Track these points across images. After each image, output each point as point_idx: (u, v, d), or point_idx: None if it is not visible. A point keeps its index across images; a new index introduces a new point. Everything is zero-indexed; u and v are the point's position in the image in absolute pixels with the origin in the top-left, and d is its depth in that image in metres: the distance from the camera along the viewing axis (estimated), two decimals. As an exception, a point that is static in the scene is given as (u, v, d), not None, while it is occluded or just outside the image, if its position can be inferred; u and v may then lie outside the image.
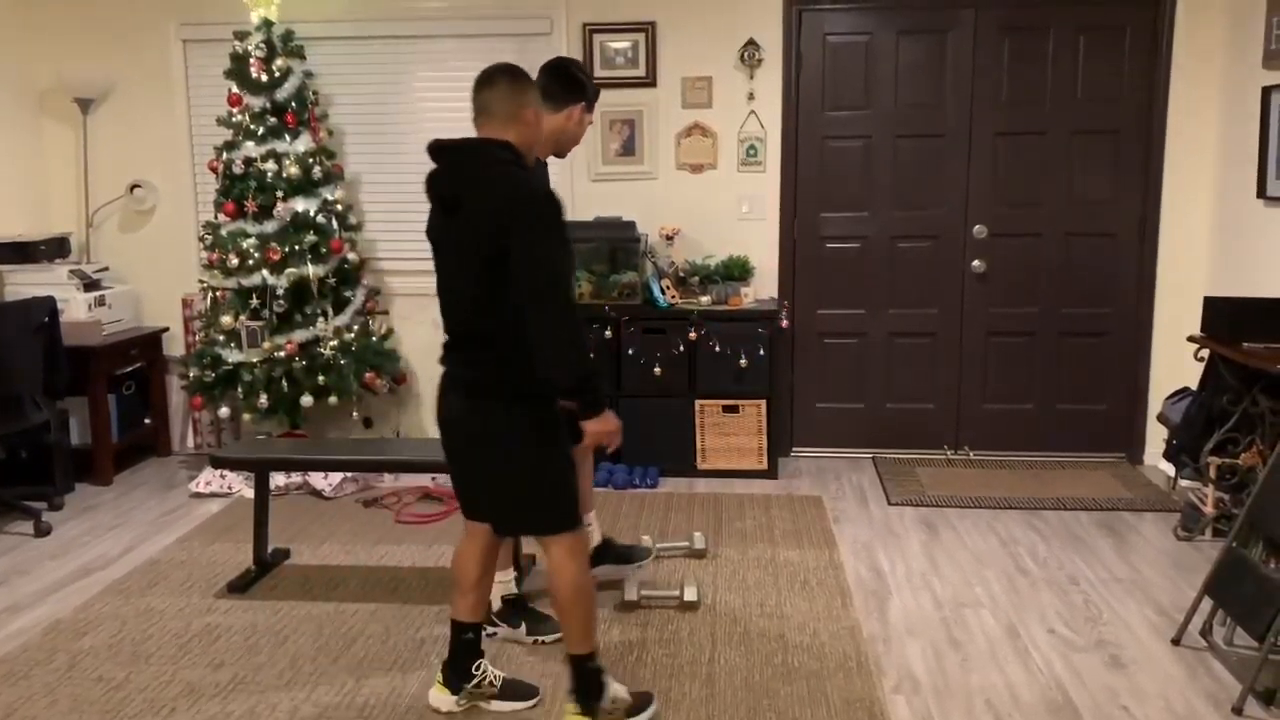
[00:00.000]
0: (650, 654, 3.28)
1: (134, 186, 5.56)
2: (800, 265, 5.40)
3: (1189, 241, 5.13)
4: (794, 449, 5.55)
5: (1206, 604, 3.34)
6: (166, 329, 5.58)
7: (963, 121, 5.22)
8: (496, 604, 3.42)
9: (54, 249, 5.31)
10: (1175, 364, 5.04)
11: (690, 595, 3.60)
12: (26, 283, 5.11)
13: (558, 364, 2.57)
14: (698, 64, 5.26)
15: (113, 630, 3.48)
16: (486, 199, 2.59)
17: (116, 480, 5.19)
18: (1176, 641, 3.33)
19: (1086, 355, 5.34)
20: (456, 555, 2.94)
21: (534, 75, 2.92)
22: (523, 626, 3.39)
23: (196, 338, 5.29)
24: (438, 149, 2.72)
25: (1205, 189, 5.08)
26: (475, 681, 2.93)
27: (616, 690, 2.82)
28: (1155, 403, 5.12)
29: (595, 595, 2.82)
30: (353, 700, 3.01)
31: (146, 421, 5.56)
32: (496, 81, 2.71)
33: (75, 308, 5.10)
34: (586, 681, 2.77)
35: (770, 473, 5.12)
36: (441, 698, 2.94)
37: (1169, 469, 4.85)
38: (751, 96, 5.26)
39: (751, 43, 5.19)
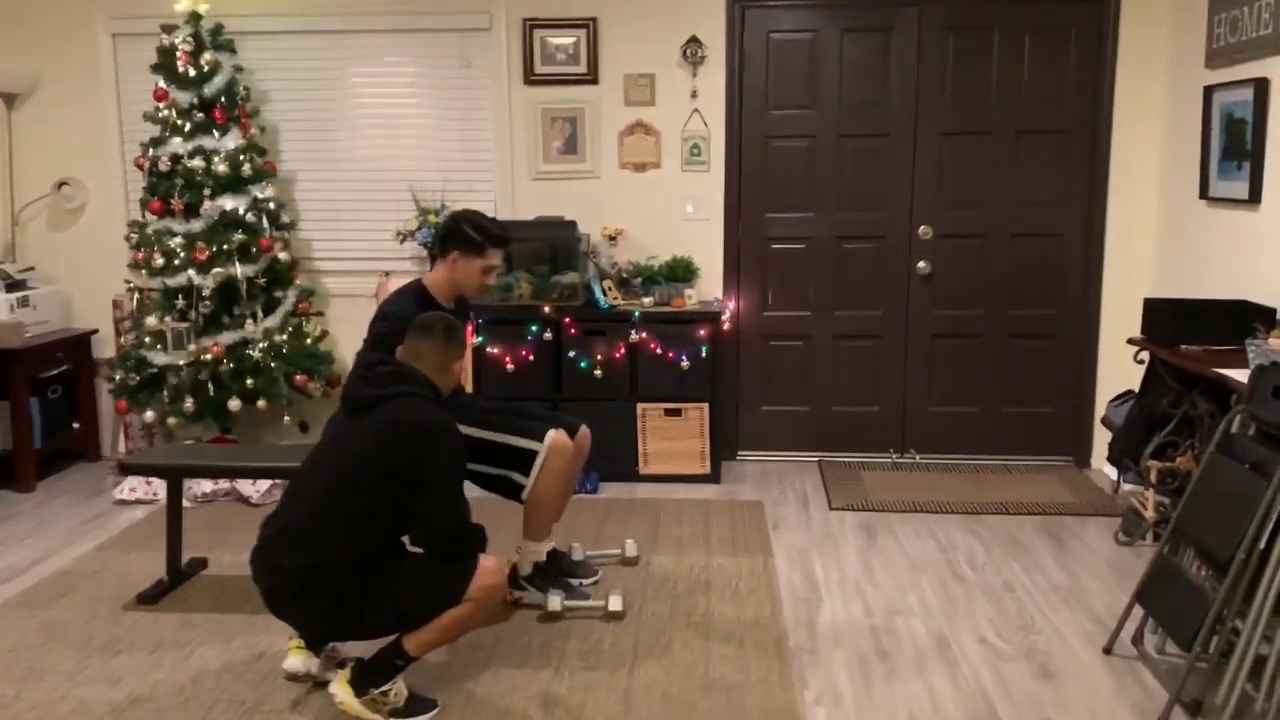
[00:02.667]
0: (568, 666, 3.18)
1: (61, 184, 5.40)
2: (745, 266, 5.31)
3: (1134, 242, 5.08)
4: (740, 453, 5.46)
5: (1139, 612, 3.27)
6: (96, 331, 5.42)
7: (908, 121, 5.15)
8: (526, 569, 3.58)
9: (-25, 248, 5.16)
10: (1121, 366, 4.96)
11: (615, 605, 3.50)
12: (-55, 283, 4.96)
13: None
14: (640, 61, 5.16)
15: (9, 645, 3.33)
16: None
17: (40, 487, 5.03)
18: (1108, 650, 3.26)
19: (1033, 357, 5.28)
20: None
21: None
22: (560, 596, 3.54)
23: (123, 340, 5.14)
24: None
25: (1150, 189, 5.04)
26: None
27: (399, 687, 2.86)
28: (1102, 405, 5.06)
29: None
30: (251, 718, 2.89)
31: (75, 426, 5.40)
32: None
33: (-5, 309, 4.95)
34: (382, 668, 2.84)
35: (713, 477, 5.03)
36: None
37: (1113, 473, 4.79)
38: (695, 95, 5.17)
39: (694, 40, 5.10)
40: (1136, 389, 4.39)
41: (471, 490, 3.03)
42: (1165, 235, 4.94)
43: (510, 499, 3.53)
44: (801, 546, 4.22)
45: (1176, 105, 4.82)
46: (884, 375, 5.37)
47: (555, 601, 3.51)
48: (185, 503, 4.74)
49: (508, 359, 4.97)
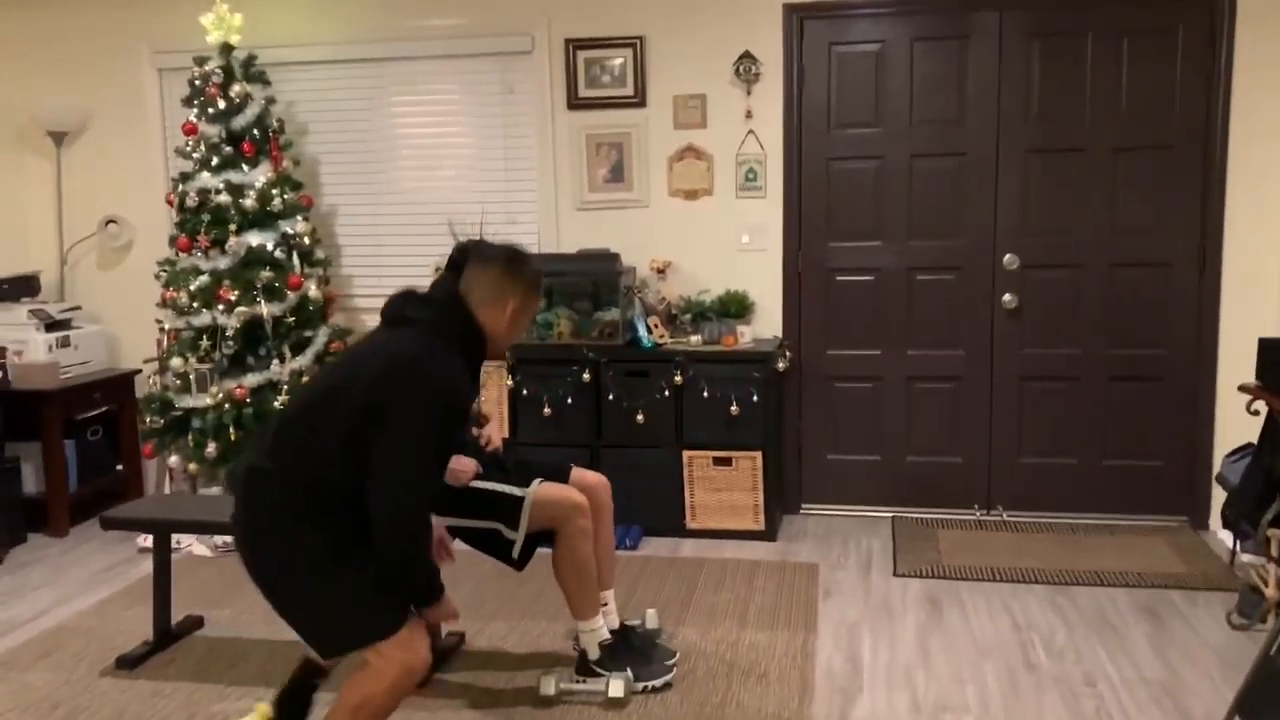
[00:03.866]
0: (549, 765, 2.77)
1: (108, 222, 5.33)
2: (806, 301, 4.84)
3: (1257, 272, 4.42)
4: (804, 506, 4.96)
5: (1243, 725, 2.67)
6: (139, 371, 5.31)
7: (988, 138, 4.61)
8: (595, 653, 3.12)
9: (20, 288, 5.10)
10: (1242, 413, 4.29)
11: (616, 691, 3.06)
12: (-12, 323, 4.90)
13: None
14: (690, 81, 4.77)
15: (-31, 712, 3.12)
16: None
17: (74, 531, 4.90)
18: (1204, 771, 2.67)
19: (1139, 403, 4.64)
20: None
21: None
22: (628, 671, 3.11)
23: (151, 381, 5.00)
24: None
25: (1273, 211, 4.37)
26: None
27: None
28: (1220, 458, 4.39)
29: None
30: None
31: (118, 468, 5.28)
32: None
33: (34, 349, 4.86)
34: None
35: (768, 534, 4.56)
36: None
37: (1230, 539, 4.12)
38: (749, 115, 4.75)
39: (747, 55, 4.69)
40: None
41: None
42: (1294, 263, 4.27)
43: (506, 563, 3.15)
44: (852, 620, 3.71)
45: (1305, 112, 4.16)
46: (966, 422, 4.80)
47: (618, 687, 3.06)
48: (206, 551, 4.60)
49: (544, 402, 4.61)
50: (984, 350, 4.74)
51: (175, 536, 4.60)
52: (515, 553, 3.10)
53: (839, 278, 4.82)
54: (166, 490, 5.36)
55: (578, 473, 3.32)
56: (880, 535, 4.62)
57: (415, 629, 2.42)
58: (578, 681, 3.17)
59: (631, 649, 3.22)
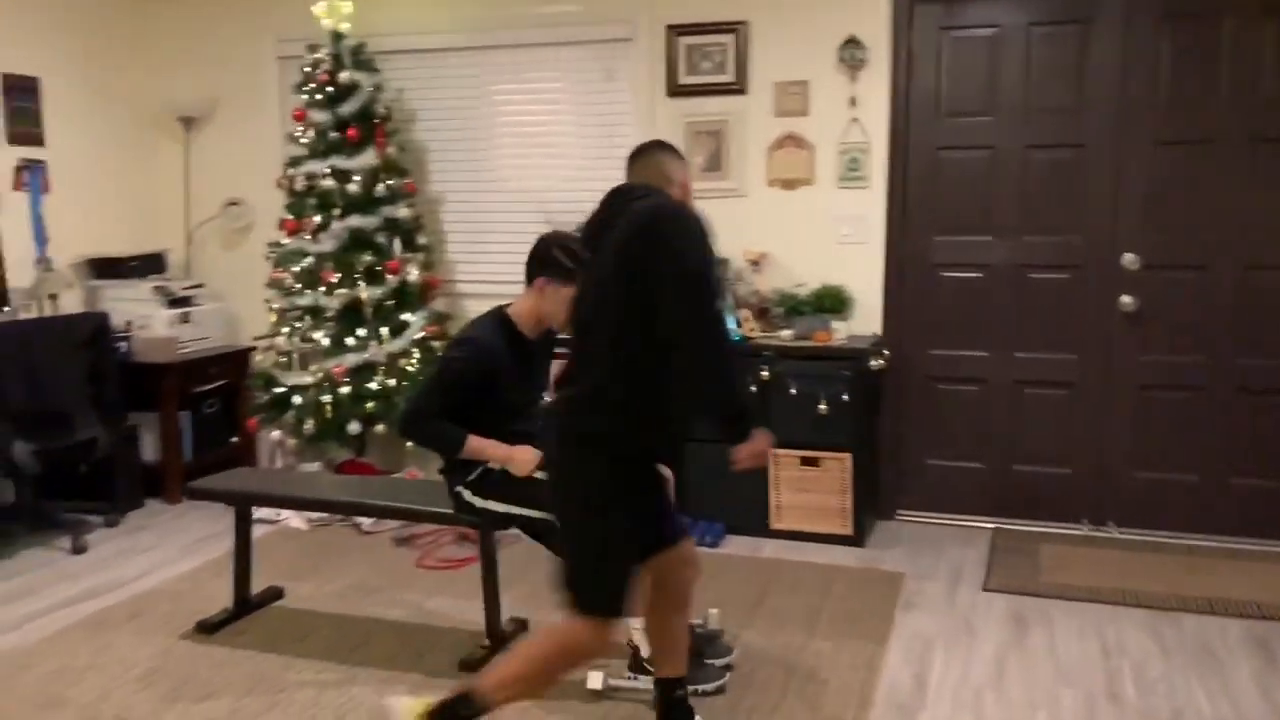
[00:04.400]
0: (583, 762, 2.73)
1: (231, 204, 5.56)
2: (908, 297, 4.64)
3: None
4: (899, 512, 4.76)
5: (1338, 781, 2.41)
6: (254, 348, 5.52)
7: (1110, 128, 4.31)
8: (647, 650, 3.05)
9: (148, 265, 5.36)
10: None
11: (664, 690, 3.00)
12: (118, 298, 5.18)
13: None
14: (792, 67, 4.63)
15: (54, 667, 3.29)
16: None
17: (187, 499, 5.14)
18: (1290, 828, 2.42)
19: (1270, 418, 4.26)
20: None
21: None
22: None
23: (260, 358, 5.18)
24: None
25: None
26: None
27: None
28: (1363, 483, 4.00)
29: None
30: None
31: (233, 440, 5.51)
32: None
33: (156, 324, 5.11)
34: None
35: (856, 539, 4.39)
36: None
37: (1366, 573, 3.74)
38: (853, 102, 4.57)
39: (853, 41, 4.51)
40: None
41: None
42: None
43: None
44: (929, 635, 3.53)
45: None
46: (1077, 431, 4.51)
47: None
48: (302, 525, 4.74)
49: (631, 393, 4.56)
50: (1099, 355, 4.45)
51: (274, 509, 4.78)
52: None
53: (944, 274, 4.60)
54: (279, 464, 5.58)
55: None
56: (977, 547, 4.39)
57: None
58: (629, 678, 3.11)
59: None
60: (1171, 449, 4.40)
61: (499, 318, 3.27)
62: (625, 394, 2.41)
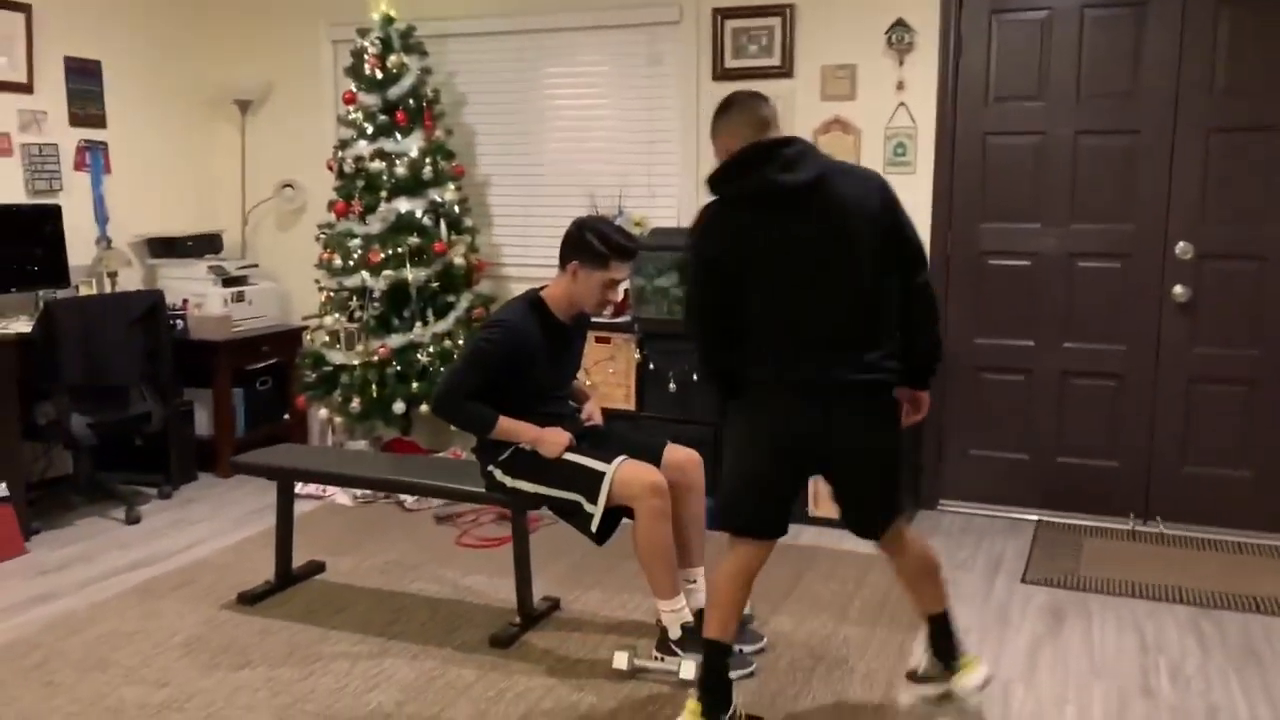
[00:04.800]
0: (605, 739, 2.76)
1: (285, 185, 5.66)
2: (954, 285, 4.58)
3: None
4: (942, 502, 4.72)
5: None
6: (305, 327, 5.62)
7: (1164, 114, 4.21)
8: (675, 632, 3.09)
9: (204, 245, 5.49)
10: None
11: (687, 673, 3.00)
12: (175, 276, 5.32)
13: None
14: (839, 51, 4.59)
15: (101, 632, 3.41)
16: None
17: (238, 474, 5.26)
18: (1321, 831, 2.37)
19: (1329, 414, 4.15)
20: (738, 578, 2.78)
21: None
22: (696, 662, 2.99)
23: (310, 338, 5.28)
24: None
25: None
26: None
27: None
28: None
29: None
30: (253, 747, 2.72)
31: (285, 417, 5.63)
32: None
33: (211, 302, 5.24)
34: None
35: (895, 527, 4.35)
36: None
37: None
38: (900, 86, 4.52)
39: (900, 23, 4.46)
40: None
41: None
42: None
43: (587, 536, 3.15)
44: (962, 625, 3.46)
45: None
46: (1126, 424, 4.43)
47: (690, 669, 2.99)
48: (347, 501, 4.83)
49: (670, 378, 4.58)
50: (1149, 346, 4.35)
51: (320, 486, 4.88)
52: (594, 526, 3.09)
53: (991, 261, 4.54)
54: (329, 441, 5.68)
55: (670, 450, 3.28)
56: (1019, 539, 4.33)
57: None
58: (656, 659, 3.13)
59: None
60: (1223, 444, 4.30)
61: (532, 300, 3.30)
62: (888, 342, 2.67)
